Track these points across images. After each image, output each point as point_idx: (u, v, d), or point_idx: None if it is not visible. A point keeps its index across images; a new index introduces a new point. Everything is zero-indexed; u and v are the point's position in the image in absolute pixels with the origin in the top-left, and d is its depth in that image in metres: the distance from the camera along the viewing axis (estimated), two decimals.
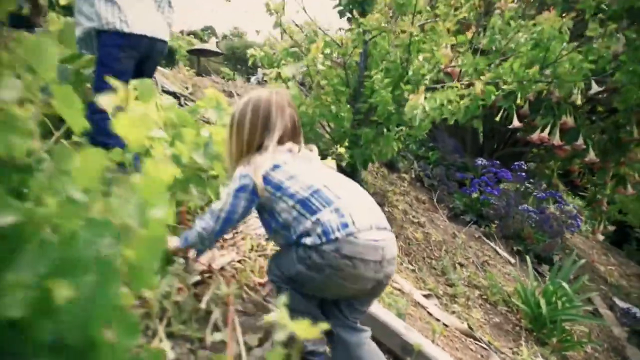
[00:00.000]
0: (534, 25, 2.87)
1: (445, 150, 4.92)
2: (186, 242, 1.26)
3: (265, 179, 1.19)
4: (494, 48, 2.94)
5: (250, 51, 3.12)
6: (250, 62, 3.31)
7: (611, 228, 5.21)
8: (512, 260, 3.73)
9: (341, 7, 3.38)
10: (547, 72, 2.88)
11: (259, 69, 7.96)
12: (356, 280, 1.12)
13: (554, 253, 3.92)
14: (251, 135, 1.26)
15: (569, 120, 4.54)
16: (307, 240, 1.11)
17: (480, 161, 4.11)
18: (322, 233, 1.09)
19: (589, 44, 2.79)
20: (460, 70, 2.94)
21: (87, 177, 0.68)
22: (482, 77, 2.53)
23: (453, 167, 4.89)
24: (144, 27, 1.87)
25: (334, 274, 1.10)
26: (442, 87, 2.66)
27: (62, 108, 1.08)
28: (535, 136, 4.38)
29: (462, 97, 2.61)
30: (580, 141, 4.48)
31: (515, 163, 4.14)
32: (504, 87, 2.56)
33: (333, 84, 3.13)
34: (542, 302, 2.57)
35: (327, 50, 3.00)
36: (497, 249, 3.78)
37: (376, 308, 1.75)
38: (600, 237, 5.19)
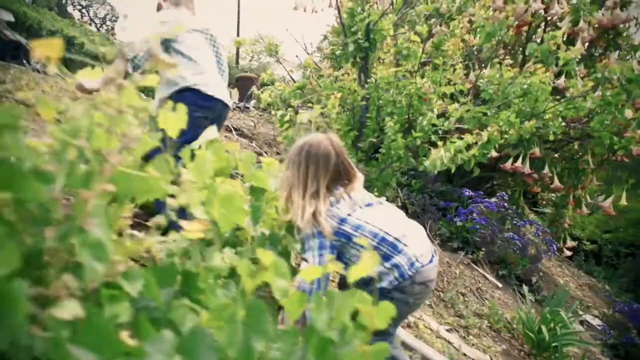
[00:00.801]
0: (524, 77, 3.23)
1: (426, 178, 5.23)
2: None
3: (337, 232, 1.38)
4: (488, 97, 3.25)
5: (263, 96, 3.22)
6: (262, 105, 3.40)
7: (574, 243, 5.79)
8: (500, 285, 4.06)
9: (346, 53, 3.58)
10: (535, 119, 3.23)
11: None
12: (427, 295, 1.43)
13: (532, 275, 4.31)
14: (302, 182, 1.42)
15: (536, 150, 5.04)
16: (385, 284, 1.34)
17: (467, 192, 4.45)
18: (398, 275, 1.34)
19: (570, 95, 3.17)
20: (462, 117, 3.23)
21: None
22: (488, 129, 2.81)
23: (434, 195, 5.20)
24: (222, 93, 2.05)
25: (415, 300, 1.38)
26: (459, 137, 2.92)
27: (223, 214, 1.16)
28: (508, 165, 4.81)
29: (469, 146, 2.88)
30: (546, 170, 4.99)
31: (498, 194, 4.52)
32: (506, 136, 2.87)
33: (341, 125, 3.31)
34: (544, 329, 2.87)
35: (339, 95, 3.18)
36: (486, 274, 4.10)
37: (432, 353, 1.92)
38: (568, 253, 5.74)
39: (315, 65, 3.45)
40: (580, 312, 3.61)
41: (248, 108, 5.94)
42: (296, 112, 3.11)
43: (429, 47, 4.00)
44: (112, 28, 26.97)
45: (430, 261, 1.40)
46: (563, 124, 4.67)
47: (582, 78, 3.75)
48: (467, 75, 4.51)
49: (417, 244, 1.40)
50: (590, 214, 7.02)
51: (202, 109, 1.96)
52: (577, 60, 4.36)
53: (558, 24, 4.72)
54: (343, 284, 1.62)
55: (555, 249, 4.47)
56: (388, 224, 1.39)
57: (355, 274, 0.83)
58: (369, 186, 3.56)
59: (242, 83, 7.10)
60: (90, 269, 0.76)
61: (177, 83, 2.01)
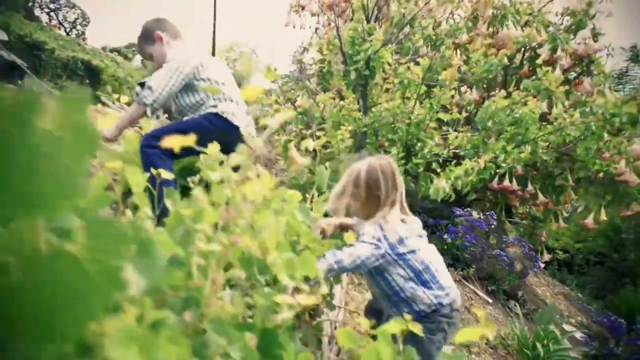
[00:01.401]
0: (514, 104, 3.45)
1: (415, 197, 5.41)
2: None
3: (392, 247, 1.49)
4: (483, 126, 3.45)
5: (270, 123, 3.29)
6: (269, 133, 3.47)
7: (550, 256, 6.10)
8: (490, 300, 4.26)
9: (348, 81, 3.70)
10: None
11: None
12: (458, 321, 1.54)
13: (519, 290, 4.54)
14: (379, 195, 1.53)
15: (519, 168, 5.32)
16: (423, 307, 1.47)
17: (458, 211, 4.64)
18: (437, 302, 1.48)
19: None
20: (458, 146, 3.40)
21: None
22: (485, 157, 2.99)
23: (422, 212, 5.38)
24: (247, 124, 2.11)
25: (449, 326, 1.50)
26: (456, 164, 3.08)
27: None
28: (495, 184, 5.05)
29: (466, 172, 3.05)
30: (529, 187, 5.28)
31: (487, 213, 4.74)
32: (503, 164, 3.06)
33: (346, 152, 3.43)
34: (539, 345, 3.05)
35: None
36: (476, 290, 4.29)
37: None
38: (542, 265, 6.04)
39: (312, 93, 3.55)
40: (569, 329, 3.84)
41: None
42: (302, 138, 3.20)
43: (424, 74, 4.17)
44: (83, 33, 26.15)
45: (457, 290, 1.58)
46: (546, 144, 5.00)
47: (562, 104, 4.02)
48: (452, 96, 4.74)
49: (447, 275, 1.57)
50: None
51: (225, 134, 1.95)
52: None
53: (537, 50, 5.02)
54: (372, 311, 1.72)
55: (540, 265, 4.72)
56: (432, 256, 1.56)
57: (460, 337, 0.92)
58: None
59: None
60: (216, 345, 0.83)
61: (205, 109, 2.06)
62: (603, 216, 4.70)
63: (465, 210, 4.63)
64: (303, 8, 6.55)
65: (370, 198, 1.54)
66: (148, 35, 2.19)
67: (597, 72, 5.21)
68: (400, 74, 3.33)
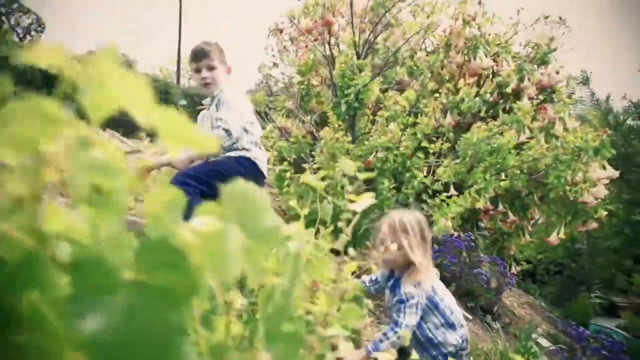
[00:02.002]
0: (491, 132, 3.73)
1: None
2: (377, 349, 1.56)
3: (428, 298, 1.64)
4: (465, 156, 3.71)
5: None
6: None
7: (518, 269, 6.52)
8: (470, 317, 4.50)
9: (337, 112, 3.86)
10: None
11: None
12: None
13: (495, 305, 4.84)
14: (422, 247, 1.67)
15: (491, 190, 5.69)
16: (451, 348, 1.63)
17: (441, 235, 4.88)
18: (461, 342, 1.65)
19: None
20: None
21: None
22: (473, 194, 3.22)
23: None
24: (266, 168, 2.23)
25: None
26: (448, 195, 3.30)
27: None
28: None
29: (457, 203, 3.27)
30: (500, 206, 5.64)
31: (465, 234, 5.01)
32: (486, 195, 3.31)
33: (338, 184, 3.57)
34: None
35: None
36: None
37: None
38: (514, 279, 6.41)
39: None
40: (546, 344, 4.13)
41: None
42: (298, 170, 3.31)
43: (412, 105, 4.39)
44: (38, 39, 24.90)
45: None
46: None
47: (532, 133, 4.36)
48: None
49: (461, 313, 1.74)
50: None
51: (252, 180, 2.10)
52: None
53: (506, 79, 5.40)
54: (402, 351, 1.85)
55: (514, 282, 5.04)
56: (450, 298, 1.72)
57: None
58: (361, 235, 3.84)
59: None
60: None
61: (238, 150, 2.12)
62: (561, 234, 5.13)
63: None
64: (281, 31, 6.69)
65: (424, 248, 1.66)
66: (223, 55, 2.23)
67: (557, 100, 5.67)
68: (387, 106, 3.53)
